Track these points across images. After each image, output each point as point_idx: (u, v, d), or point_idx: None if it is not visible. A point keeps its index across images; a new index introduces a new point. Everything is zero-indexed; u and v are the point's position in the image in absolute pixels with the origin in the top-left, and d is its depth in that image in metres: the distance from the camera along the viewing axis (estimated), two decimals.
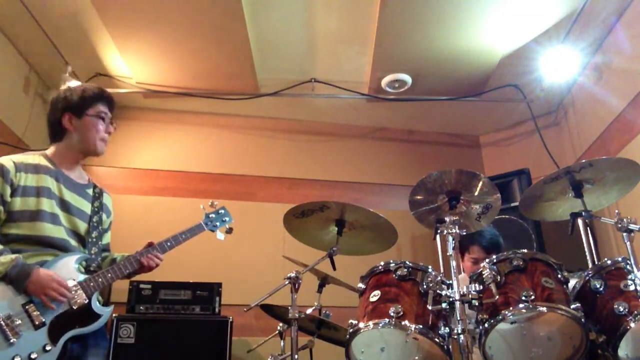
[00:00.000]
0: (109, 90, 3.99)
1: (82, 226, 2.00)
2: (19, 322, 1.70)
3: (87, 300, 1.84)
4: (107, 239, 2.18)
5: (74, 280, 1.84)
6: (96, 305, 1.88)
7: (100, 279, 1.89)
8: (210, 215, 2.37)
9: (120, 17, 3.38)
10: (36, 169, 1.94)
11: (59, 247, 1.89)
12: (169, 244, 2.11)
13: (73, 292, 1.81)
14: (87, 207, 2.05)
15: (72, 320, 1.80)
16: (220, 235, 2.39)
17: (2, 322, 1.67)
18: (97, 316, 1.87)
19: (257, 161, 4.49)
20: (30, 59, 3.80)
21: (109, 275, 1.92)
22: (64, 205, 1.96)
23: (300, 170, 4.54)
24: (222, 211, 2.44)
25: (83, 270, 1.92)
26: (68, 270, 1.85)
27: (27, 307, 1.73)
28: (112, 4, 3.27)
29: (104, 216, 2.13)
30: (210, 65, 3.88)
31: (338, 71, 4.03)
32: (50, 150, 2.07)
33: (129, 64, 3.86)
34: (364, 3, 3.37)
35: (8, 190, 1.85)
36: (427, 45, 3.67)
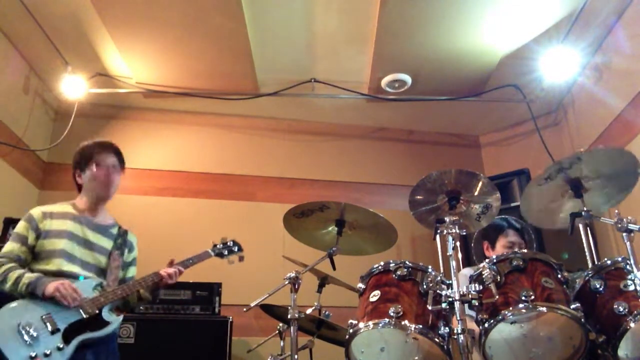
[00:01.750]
0: (109, 90, 4.04)
1: (103, 259, 2.32)
2: (37, 327, 1.99)
3: (97, 312, 2.13)
4: (132, 272, 2.47)
5: (88, 297, 2.14)
6: (106, 315, 2.17)
7: (110, 295, 2.19)
8: (218, 246, 2.66)
9: (120, 17, 3.38)
10: (63, 215, 2.30)
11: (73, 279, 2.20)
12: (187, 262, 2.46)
13: (85, 303, 2.11)
14: (108, 244, 2.36)
15: (84, 327, 2.09)
16: (230, 262, 2.65)
17: (21, 328, 1.96)
18: (107, 323, 2.15)
19: (257, 161, 4.49)
20: (30, 59, 3.81)
21: (119, 292, 2.22)
22: (87, 244, 2.29)
23: (300, 170, 4.54)
24: (231, 243, 2.70)
25: (99, 291, 2.22)
26: (84, 290, 2.15)
27: (44, 316, 2.03)
28: (112, 4, 3.27)
29: (126, 251, 2.44)
30: (210, 65, 3.88)
31: (338, 71, 4.03)
32: (77, 199, 2.41)
33: (129, 64, 3.86)
34: (363, 3, 3.37)
35: (32, 235, 2.21)
36: (427, 45, 3.68)
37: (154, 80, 4.05)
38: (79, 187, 2.41)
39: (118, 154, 2.44)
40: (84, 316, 2.09)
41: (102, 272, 2.30)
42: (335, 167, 4.61)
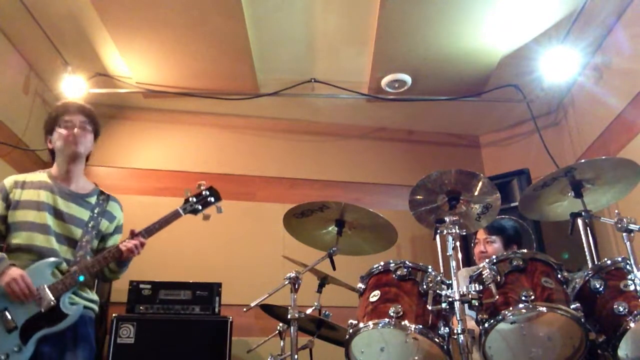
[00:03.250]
0: (109, 90, 4.04)
1: (77, 231, 2.18)
2: None
3: (55, 302, 2.00)
4: (113, 241, 2.32)
5: (44, 284, 2.01)
6: (65, 306, 2.03)
7: (68, 280, 2.04)
8: (191, 199, 2.34)
9: (120, 17, 3.38)
10: (37, 185, 2.20)
11: (46, 256, 2.08)
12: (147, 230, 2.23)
13: (41, 295, 1.98)
14: (84, 214, 2.22)
15: (42, 322, 1.98)
16: (206, 217, 2.34)
17: None
18: (65, 315, 2.01)
19: (257, 161, 4.49)
20: (30, 59, 3.80)
21: (77, 275, 2.07)
22: (58, 214, 2.16)
23: (300, 170, 4.54)
24: (206, 192, 2.37)
25: (58, 274, 2.07)
26: (41, 275, 2.02)
27: None
28: (112, 4, 3.27)
29: (105, 222, 2.28)
30: (210, 65, 3.88)
31: (338, 71, 4.03)
32: (53, 167, 2.31)
33: (129, 64, 3.86)
34: (363, 3, 3.36)
35: (2, 205, 2.13)
36: (427, 45, 3.67)
37: (154, 80, 4.04)
38: (52, 155, 2.30)
39: (87, 114, 2.30)
40: (42, 310, 1.97)
41: (76, 244, 2.17)
42: (335, 167, 4.61)
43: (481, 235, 2.85)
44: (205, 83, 4.09)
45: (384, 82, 4.05)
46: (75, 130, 2.23)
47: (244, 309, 2.56)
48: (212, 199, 2.37)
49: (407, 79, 4.02)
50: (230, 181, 4.36)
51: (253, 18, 3.46)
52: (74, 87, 3.87)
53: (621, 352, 1.93)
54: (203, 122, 4.51)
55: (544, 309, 1.92)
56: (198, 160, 4.39)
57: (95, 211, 2.24)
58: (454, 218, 2.13)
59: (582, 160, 2.21)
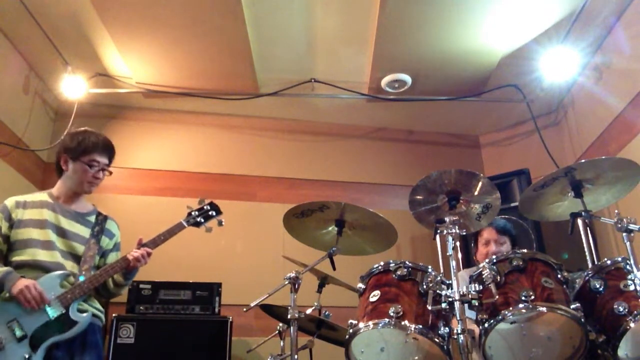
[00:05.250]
0: (109, 90, 4.04)
1: (79, 248, 2.25)
2: (3, 337, 1.95)
3: (65, 310, 2.07)
4: (112, 258, 2.37)
5: (54, 294, 2.07)
6: (74, 314, 2.10)
7: (77, 290, 2.11)
8: (193, 213, 2.48)
9: (120, 17, 3.38)
10: (38, 204, 2.27)
11: (52, 270, 2.14)
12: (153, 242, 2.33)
13: (52, 303, 2.05)
14: (85, 231, 2.31)
15: (52, 329, 2.04)
16: (208, 229, 2.47)
17: None
18: (74, 323, 2.08)
19: (257, 161, 4.49)
20: (30, 59, 3.80)
21: (85, 285, 2.14)
22: (61, 232, 2.24)
23: (300, 170, 4.54)
24: (207, 207, 2.51)
25: (67, 285, 2.14)
26: (50, 287, 2.08)
27: (9, 323, 1.99)
28: (112, 4, 3.27)
29: (105, 239, 2.37)
30: (210, 65, 3.88)
31: (338, 71, 4.03)
32: (55, 187, 2.37)
33: (129, 64, 3.86)
34: (363, 3, 3.36)
35: (5, 225, 2.19)
36: (427, 45, 3.67)
37: (154, 80, 4.04)
38: (59, 173, 2.35)
39: (111, 157, 2.42)
40: (51, 318, 2.04)
41: (77, 260, 2.23)
42: (335, 167, 4.61)
43: (492, 235, 2.80)
44: (205, 83, 4.09)
45: (384, 82, 4.05)
46: (100, 174, 2.34)
47: (244, 309, 2.56)
48: (213, 213, 2.51)
49: (407, 79, 4.02)
50: (230, 181, 4.36)
51: (253, 18, 3.46)
52: (74, 87, 3.88)
53: (621, 352, 1.93)
54: (203, 122, 4.51)
55: (544, 309, 1.93)
56: (198, 160, 4.39)
57: (95, 229, 2.33)
58: (454, 218, 2.13)
59: (582, 160, 2.22)
